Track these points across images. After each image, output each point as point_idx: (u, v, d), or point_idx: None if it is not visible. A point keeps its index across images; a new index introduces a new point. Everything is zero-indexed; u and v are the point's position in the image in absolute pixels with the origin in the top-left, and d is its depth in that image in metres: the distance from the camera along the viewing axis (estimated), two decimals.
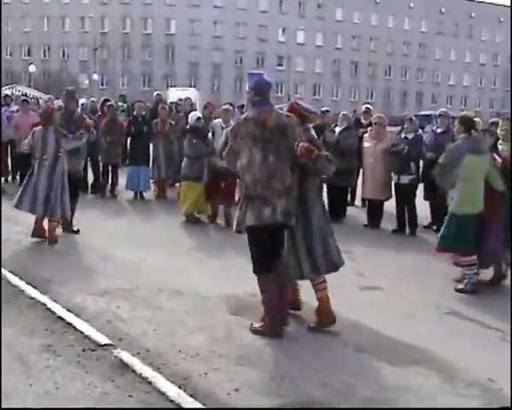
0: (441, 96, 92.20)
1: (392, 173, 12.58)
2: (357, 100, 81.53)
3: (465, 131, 8.93)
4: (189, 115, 13.51)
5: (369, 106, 16.13)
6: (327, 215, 7.24)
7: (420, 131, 13.63)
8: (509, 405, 5.17)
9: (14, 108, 17.66)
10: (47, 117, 10.65)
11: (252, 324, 6.76)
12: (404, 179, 12.25)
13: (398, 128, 14.94)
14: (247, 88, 7.33)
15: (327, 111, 14.81)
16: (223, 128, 12.64)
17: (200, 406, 4.91)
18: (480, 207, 8.81)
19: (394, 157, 12.36)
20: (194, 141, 12.58)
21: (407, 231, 12.45)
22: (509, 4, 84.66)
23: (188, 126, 13.13)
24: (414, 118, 13.27)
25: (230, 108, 13.92)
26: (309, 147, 6.41)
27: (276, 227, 6.54)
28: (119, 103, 22.63)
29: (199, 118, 12.98)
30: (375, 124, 12.91)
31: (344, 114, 13.91)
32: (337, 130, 13.52)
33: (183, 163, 12.93)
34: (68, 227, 11.06)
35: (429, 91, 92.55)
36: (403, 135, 12.77)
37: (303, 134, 6.68)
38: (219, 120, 13.37)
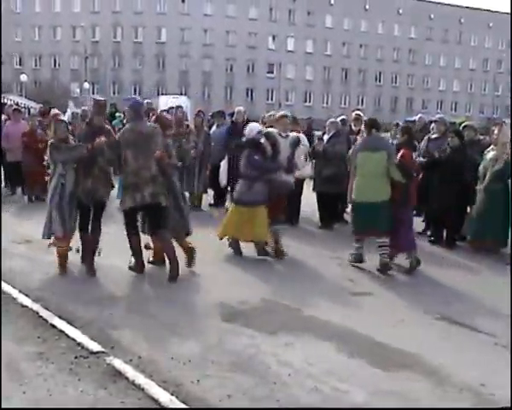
0: (431, 102, 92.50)
1: None
2: (348, 106, 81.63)
3: (368, 132, 10.10)
4: (248, 127, 11.10)
5: (359, 112, 16.12)
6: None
7: None
8: (508, 405, 5.21)
9: (3, 117, 17.58)
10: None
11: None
12: None
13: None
14: (125, 108, 10.88)
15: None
16: (282, 137, 10.92)
17: None
18: (372, 197, 9.86)
19: None
20: (257, 157, 10.38)
21: None
22: (506, 11, 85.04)
23: (245, 140, 10.89)
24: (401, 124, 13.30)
25: (288, 114, 11.91)
26: (163, 155, 9.00)
27: (147, 206, 9.07)
28: (117, 114, 22.47)
29: (260, 131, 10.92)
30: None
31: (331, 121, 13.76)
32: (325, 137, 13.50)
33: (238, 186, 10.71)
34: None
35: (419, 97, 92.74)
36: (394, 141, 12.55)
37: (163, 140, 9.21)
38: (274, 129, 11.12)
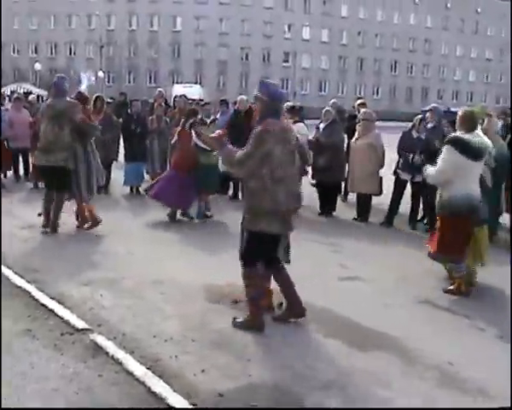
0: (447, 92, 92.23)
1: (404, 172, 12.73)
2: (364, 96, 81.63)
3: None
4: None
5: (363, 100, 16.32)
6: None
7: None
8: (508, 405, 5.31)
9: (9, 105, 18.12)
10: None
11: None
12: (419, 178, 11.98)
13: (405, 124, 14.50)
14: None
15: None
16: None
17: (165, 385, 5.21)
18: None
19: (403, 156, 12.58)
20: None
21: (394, 224, 12.68)
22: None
23: None
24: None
25: None
26: None
27: None
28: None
29: None
30: (362, 120, 13.13)
31: (327, 110, 13.89)
32: (321, 126, 13.69)
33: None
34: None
35: (435, 87, 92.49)
36: (415, 135, 12.67)
37: None
38: None
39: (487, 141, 8.29)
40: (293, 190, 6.73)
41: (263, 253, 6.84)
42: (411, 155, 12.21)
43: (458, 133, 8.34)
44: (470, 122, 8.31)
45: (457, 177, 8.16)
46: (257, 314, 6.77)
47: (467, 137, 8.17)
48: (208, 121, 13.11)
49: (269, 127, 6.52)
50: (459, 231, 8.27)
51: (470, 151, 8.07)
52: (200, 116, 12.91)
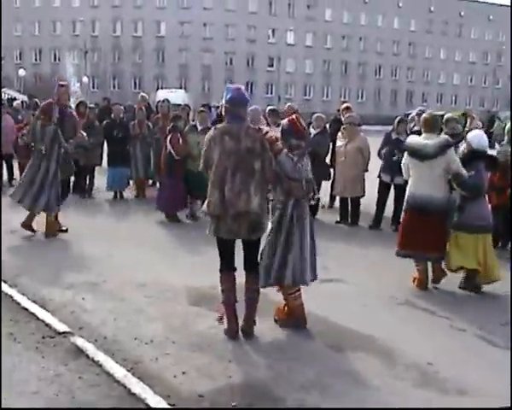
0: (431, 95, 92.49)
1: (384, 174, 12.85)
2: (348, 100, 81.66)
3: None
4: (474, 135, 9.19)
5: (348, 104, 16.36)
6: None
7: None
8: (508, 405, 5.34)
9: None
10: None
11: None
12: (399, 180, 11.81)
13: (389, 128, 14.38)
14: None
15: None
16: None
17: (145, 386, 5.25)
18: None
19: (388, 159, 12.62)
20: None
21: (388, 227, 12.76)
22: (506, 4, 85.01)
23: (475, 151, 8.83)
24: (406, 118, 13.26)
25: None
26: None
27: None
28: None
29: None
30: (347, 124, 13.17)
31: (318, 116, 13.96)
32: (312, 132, 13.67)
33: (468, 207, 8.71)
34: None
35: (419, 90, 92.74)
36: (393, 136, 12.73)
37: None
38: None
39: (441, 142, 8.58)
40: (230, 195, 6.37)
41: (220, 257, 6.85)
42: (384, 150, 12.32)
43: (419, 136, 9.12)
44: (430, 125, 8.89)
45: (410, 176, 8.97)
46: (229, 320, 6.72)
47: (416, 139, 8.92)
48: (200, 128, 13.25)
49: (211, 132, 6.64)
50: (403, 226, 9.12)
51: (414, 153, 8.77)
52: (193, 123, 13.14)
